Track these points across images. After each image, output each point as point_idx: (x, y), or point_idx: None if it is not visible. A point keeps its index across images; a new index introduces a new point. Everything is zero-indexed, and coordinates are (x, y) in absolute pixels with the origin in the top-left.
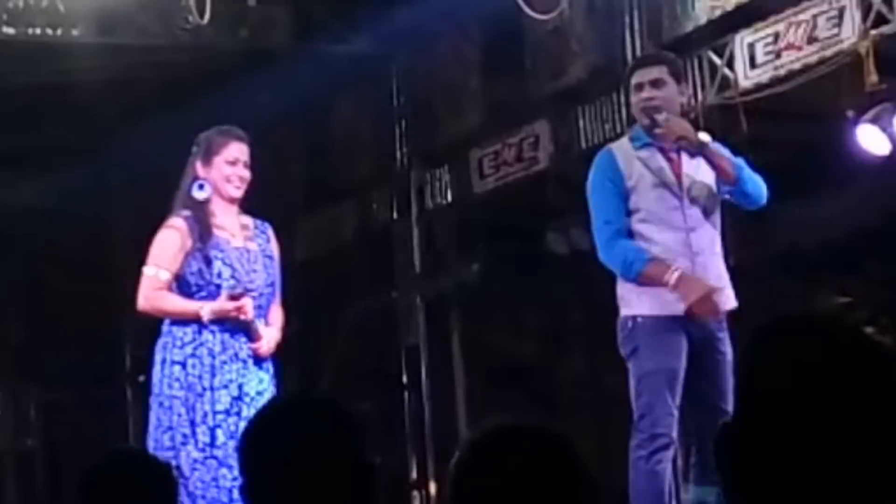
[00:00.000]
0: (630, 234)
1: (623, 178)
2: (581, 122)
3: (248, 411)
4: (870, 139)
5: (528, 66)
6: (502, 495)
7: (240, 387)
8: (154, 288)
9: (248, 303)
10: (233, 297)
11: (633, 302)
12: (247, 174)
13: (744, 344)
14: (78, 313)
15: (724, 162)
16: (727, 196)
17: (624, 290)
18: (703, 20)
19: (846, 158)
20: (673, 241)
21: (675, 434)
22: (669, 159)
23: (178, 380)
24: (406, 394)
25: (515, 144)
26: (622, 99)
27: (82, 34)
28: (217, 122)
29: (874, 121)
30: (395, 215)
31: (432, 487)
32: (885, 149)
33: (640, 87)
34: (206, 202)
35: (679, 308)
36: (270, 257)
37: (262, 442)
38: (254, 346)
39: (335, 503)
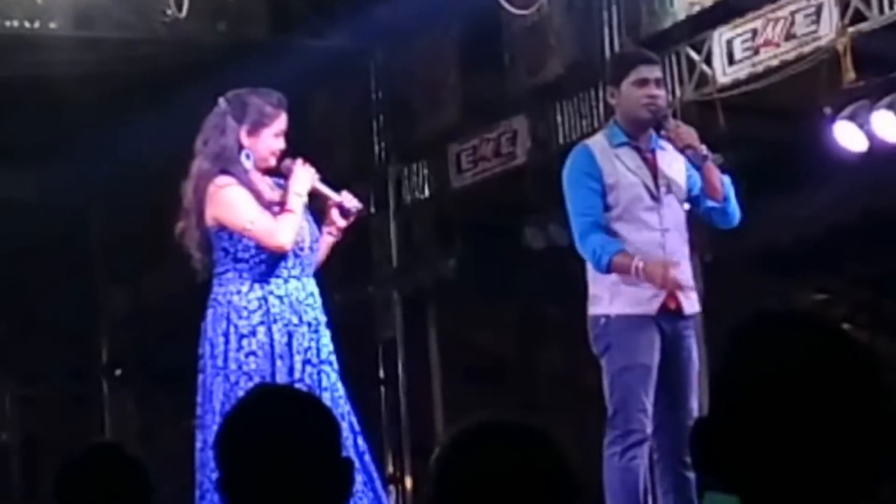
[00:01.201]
0: (606, 231)
1: (602, 174)
2: (559, 118)
3: (325, 378)
4: (847, 136)
5: (507, 61)
6: (485, 491)
7: (307, 351)
8: (273, 220)
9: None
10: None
11: (606, 301)
12: (284, 143)
13: (722, 340)
14: (55, 306)
15: (717, 178)
16: (705, 211)
17: (597, 288)
18: (681, 16)
19: (823, 155)
20: (647, 242)
21: (649, 430)
22: (645, 159)
23: (249, 353)
24: (382, 389)
25: (493, 139)
26: (600, 94)
27: (60, 27)
28: (194, 115)
29: (851, 118)
30: (372, 210)
31: (408, 482)
32: (862, 146)
33: (644, 82)
34: (249, 171)
35: (653, 307)
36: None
37: (239, 436)
38: (337, 199)
39: (313, 497)
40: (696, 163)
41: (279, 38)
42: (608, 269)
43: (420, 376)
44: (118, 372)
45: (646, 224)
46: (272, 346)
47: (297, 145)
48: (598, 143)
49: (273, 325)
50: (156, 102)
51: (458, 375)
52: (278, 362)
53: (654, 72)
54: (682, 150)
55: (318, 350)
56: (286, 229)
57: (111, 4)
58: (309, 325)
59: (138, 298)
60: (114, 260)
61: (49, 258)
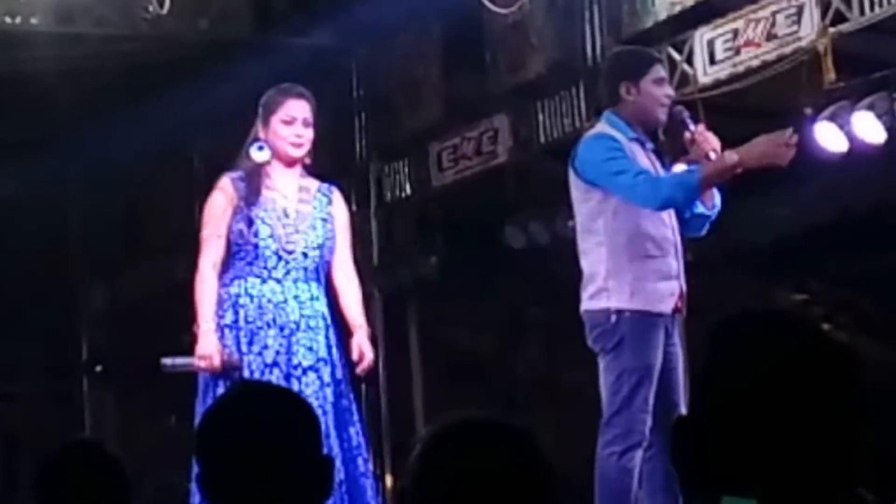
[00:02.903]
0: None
1: (631, 161)
2: (540, 117)
3: (294, 384)
4: (827, 137)
5: (488, 60)
6: (464, 488)
7: (276, 353)
8: (217, 253)
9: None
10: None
11: (626, 295)
12: (306, 133)
13: (702, 340)
14: (34, 303)
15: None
16: (691, 216)
17: (613, 282)
18: (662, 16)
19: (804, 156)
20: (664, 239)
21: (647, 432)
22: (649, 158)
23: (221, 349)
24: (363, 387)
25: (474, 138)
26: (581, 94)
27: (41, 23)
28: (175, 113)
29: (832, 118)
30: (353, 208)
31: (388, 480)
32: (842, 146)
33: (663, 81)
34: (265, 163)
35: (668, 306)
36: (325, 219)
37: (219, 431)
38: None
39: (292, 495)
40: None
41: (261, 35)
42: (702, 183)
43: (400, 375)
44: (98, 369)
45: (662, 221)
46: (231, 345)
47: None
48: (615, 135)
49: (237, 322)
50: (137, 99)
51: (439, 374)
52: (244, 360)
53: (665, 71)
54: (706, 156)
55: (290, 355)
56: (202, 273)
57: (93, 1)
58: (281, 328)
59: (118, 295)
60: (94, 257)
61: (29, 255)
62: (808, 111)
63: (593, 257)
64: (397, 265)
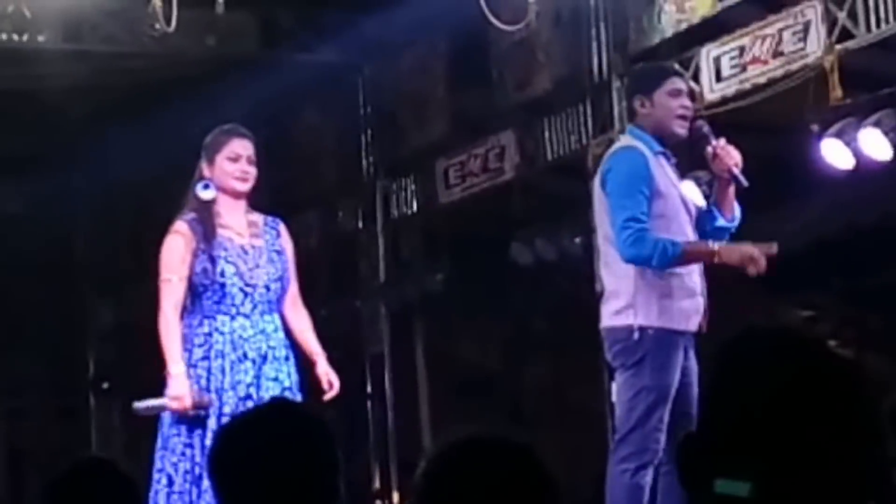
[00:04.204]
0: None
1: (653, 180)
2: (547, 133)
3: None
4: (834, 153)
5: (495, 76)
6: None
7: (248, 386)
8: (178, 296)
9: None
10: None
11: (650, 313)
12: (250, 169)
13: (709, 356)
14: (41, 319)
15: (733, 198)
16: (713, 229)
17: (641, 298)
18: (669, 33)
19: (810, 172)
20: None
21: (660, 450)
22: (671, 170)
23: (192, 386)
24: (369, 403)
25: (481, 155)
26: (588, 110)
27: (48, 40)
28: (183, 130)
29: (838, 135)
30: (360, 224)
31: (395, 497)
32: (848, 163)
33: (679, 93)
34: (212, 202)
35: (693, 324)
36: (279, 252)
37: (237, 451)
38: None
39: None
40: (739, 184)
41: (268, 52)
42: (683, 256)
43: (407, 390)
44: (105, 385)
45: (686, 236)
46: (209, 381)
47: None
48: (642, 148)
49: (214, 360)
50: (144, 116)
51: (445, 389)
52: (213, 396)
53: (685, 84)
54: (728, 170)
55: (259, 386)
56: (166, 317)
57: (100, 18)
58: (253, 361)
59: (124, 312)
60: (100, 273)
61: (35, 271)
62: (815, 128)
63: (619, 271)
64: (404, 281)
